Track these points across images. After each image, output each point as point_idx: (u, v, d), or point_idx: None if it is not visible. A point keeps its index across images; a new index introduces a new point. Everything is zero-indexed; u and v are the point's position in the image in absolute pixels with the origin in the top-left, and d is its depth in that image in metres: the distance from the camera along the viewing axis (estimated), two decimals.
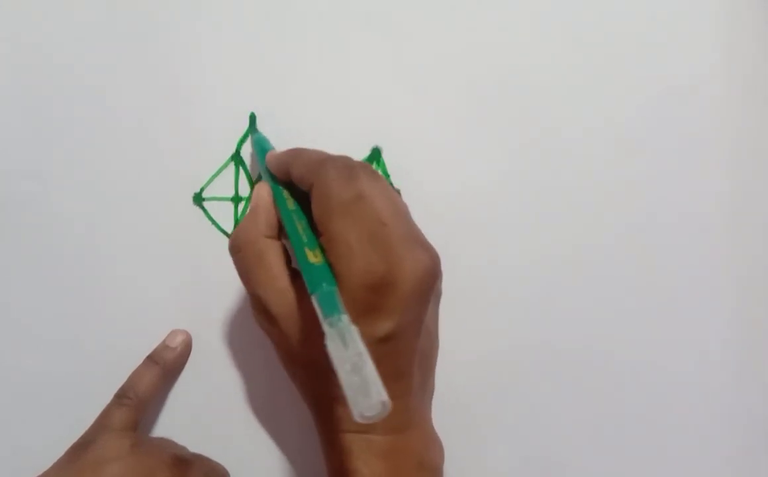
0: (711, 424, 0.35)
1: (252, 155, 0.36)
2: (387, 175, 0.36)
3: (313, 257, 0.26)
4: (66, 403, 0.36)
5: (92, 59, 0.37)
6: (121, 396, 0.33)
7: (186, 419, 0.36)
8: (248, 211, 0.31)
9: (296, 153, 0.30)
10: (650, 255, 0.35)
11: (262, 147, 0.34)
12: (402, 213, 0.28)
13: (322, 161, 0.28)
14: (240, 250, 0.29)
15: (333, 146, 0.35)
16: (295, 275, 0.29)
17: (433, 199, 0.35)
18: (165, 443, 0.33)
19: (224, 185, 0.36)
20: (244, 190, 0.36)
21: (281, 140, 0.36)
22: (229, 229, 0.36)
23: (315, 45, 0.36)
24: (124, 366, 0.35)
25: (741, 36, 0.35)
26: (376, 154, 0.36)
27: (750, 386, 0.35)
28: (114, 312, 0.36)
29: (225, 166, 0.36)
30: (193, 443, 0.35)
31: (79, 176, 0.37)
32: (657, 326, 0.35)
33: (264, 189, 0.31)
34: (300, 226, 0.28)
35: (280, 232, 0.30)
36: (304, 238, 0.27)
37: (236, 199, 0.36)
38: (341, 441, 0.27)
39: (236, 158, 0.36)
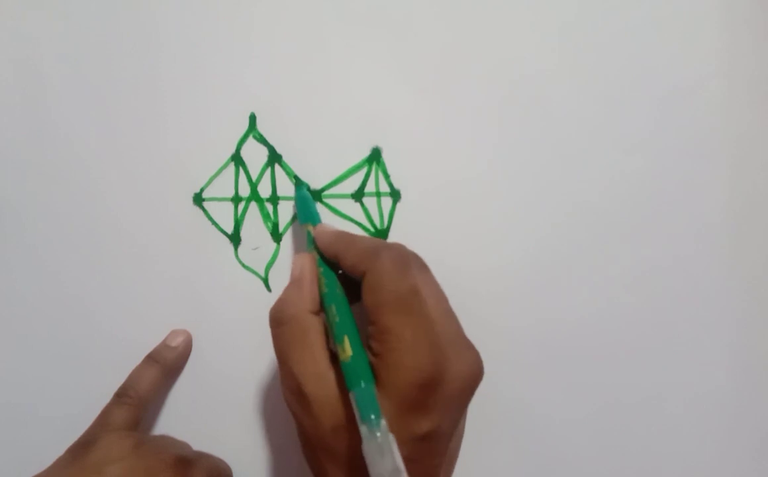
0: (711, 425, 0.35)
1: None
2: (387, 175, 0.36)
3: (349, 350, 0.26)
4: (66, 402, 0.36)
5: (92, 59, 0.37)
6: (121, 394, 0.34)
7: (186, 419, 0.36)
8: (291, 281, 0.30)
9: (349, 240, 0.30)
10: (651, 256, 0.35)
11: (307, 211, 0.33)
12: (451, 312, 0.28)
13: (377, 250, 0.28)
14: (284, 324, 0.28)
15: (333, 146, 0.36)
16: (333, 357, 0.28)
17: (433, 198, 0.35)
18: (167, 442, 0.33)
19: (224, 185, 0.36)
20: (244, 190, 0.36)
21: (281, 140, 0.36)
22: (229, 229, 0.37)
23: (315, 45, 0.36)
24: (124, 366, 0.35)
25: (742, 36, 0.35)
26: (376, 154, 0.36)
27: (751, 387, 0.35)
28: (114, 311, 0.36)
29: (225, 166, 0.36)
30: (194, 443, 0.35)
31: (80, 176, 0.37)
32: (657, 327, 0.35)
33: (309, 261, 0.30)
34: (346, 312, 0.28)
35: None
36: (348, 327, 0.27)
37: (236, 200, 0.36)
38: None
39: (236, 158, 0.36)
